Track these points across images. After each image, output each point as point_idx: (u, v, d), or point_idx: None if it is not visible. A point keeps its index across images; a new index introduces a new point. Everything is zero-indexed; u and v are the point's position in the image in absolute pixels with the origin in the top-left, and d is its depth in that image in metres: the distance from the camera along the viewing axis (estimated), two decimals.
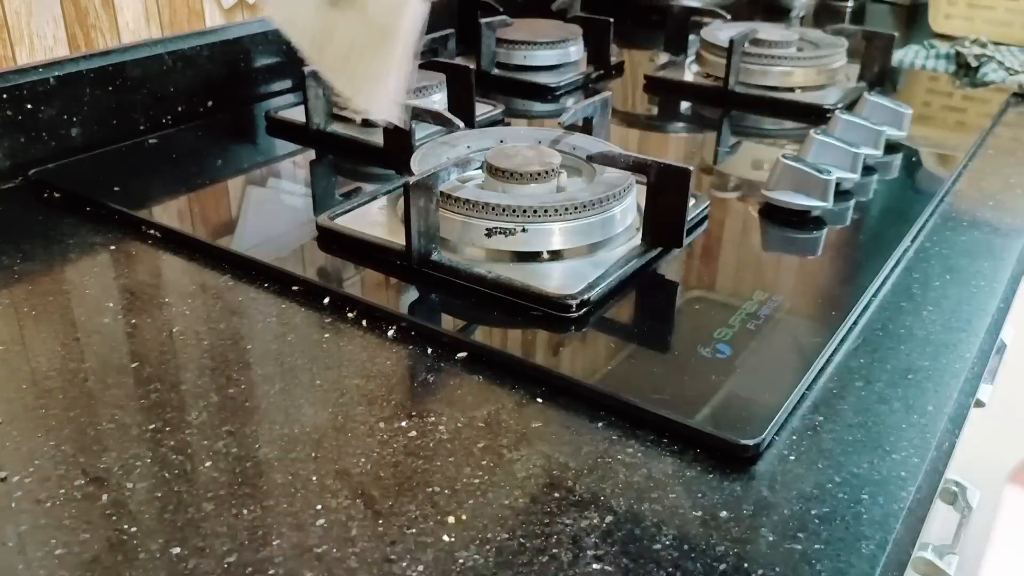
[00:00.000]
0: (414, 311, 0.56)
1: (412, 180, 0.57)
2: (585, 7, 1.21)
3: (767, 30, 1.03)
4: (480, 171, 0.67)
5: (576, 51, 1.06)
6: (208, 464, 0.43)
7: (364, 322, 0.55)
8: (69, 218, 0.67)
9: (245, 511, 0.40)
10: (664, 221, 0.61)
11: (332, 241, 0.63)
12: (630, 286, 0.59)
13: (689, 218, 0.63)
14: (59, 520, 0.39)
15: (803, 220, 0.70)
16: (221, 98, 0.90)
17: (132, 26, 0.82)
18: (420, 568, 0.37)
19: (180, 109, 0.86)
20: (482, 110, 0.87)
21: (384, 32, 0.40)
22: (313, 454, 0.43)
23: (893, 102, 0.86)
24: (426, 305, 0.57)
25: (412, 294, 0.58)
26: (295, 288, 0.58)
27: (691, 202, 0.65)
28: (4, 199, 0.71)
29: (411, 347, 0.52)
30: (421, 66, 0.88)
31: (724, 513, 0.40)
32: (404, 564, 0.37)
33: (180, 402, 0.47)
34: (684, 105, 1.01)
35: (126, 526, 0.39)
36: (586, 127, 0.76)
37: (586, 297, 0.54)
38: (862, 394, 0.49)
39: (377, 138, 0.79)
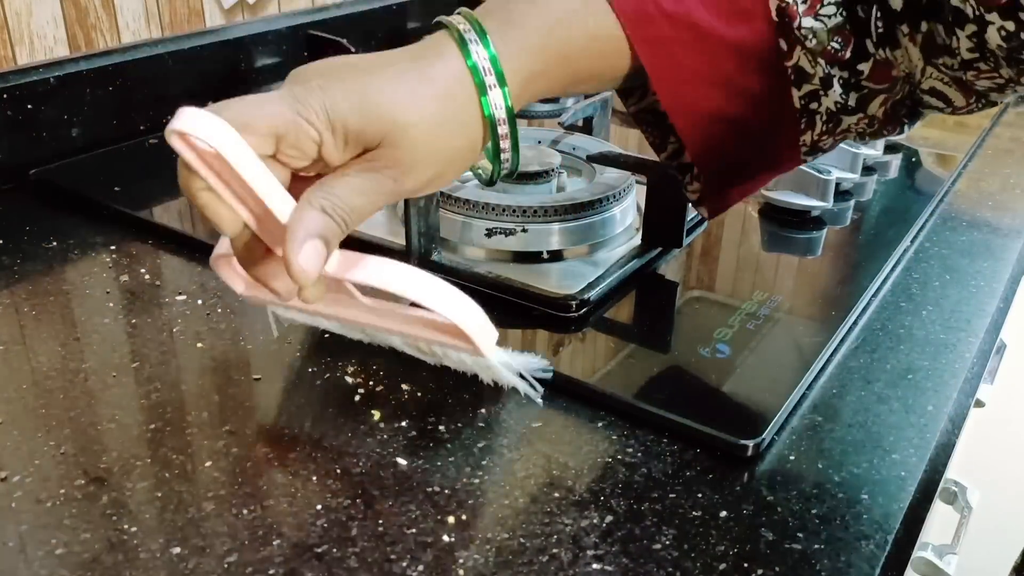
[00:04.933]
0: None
1: None
2: None
3: None
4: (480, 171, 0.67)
5: None
6: (208, 464, 0.43)
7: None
8: (69, 218, 0.67)
9: (245, 511, 0.40)
10: (664, 221, 0.61)
11: None
12: (630, 286, 0.59)
13: (689, 218, 0.63)
14: (59, 520, 0.39)
15: (803, 220, 0.70)
16: (222, 98, 0.89)
17: (132, 26, 0.82)
18: (420, 568, 0.37)
19: None
20: None
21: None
22: (313, 454, 0.43)
23: None
24: None
25: None
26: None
27: None
28: (4, 199, 0.71)
29: None
30: None
31: (724, 513, 0.40)
32: (404, 564, 0.37)
33: (180, 402, 0.47)
34: None
35: (126, 526, 0.39)
36: (586, 127, 0.76)
37: (586, 297, 0.55)
38: (862, 394, 0.49)
39: None
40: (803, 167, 0.69)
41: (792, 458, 0.44)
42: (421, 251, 0.58)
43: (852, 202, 0.73)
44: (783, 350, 0.52)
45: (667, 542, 0.39)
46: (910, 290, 0.61)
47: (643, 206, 0.62)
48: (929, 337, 0.55)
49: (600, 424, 0.46)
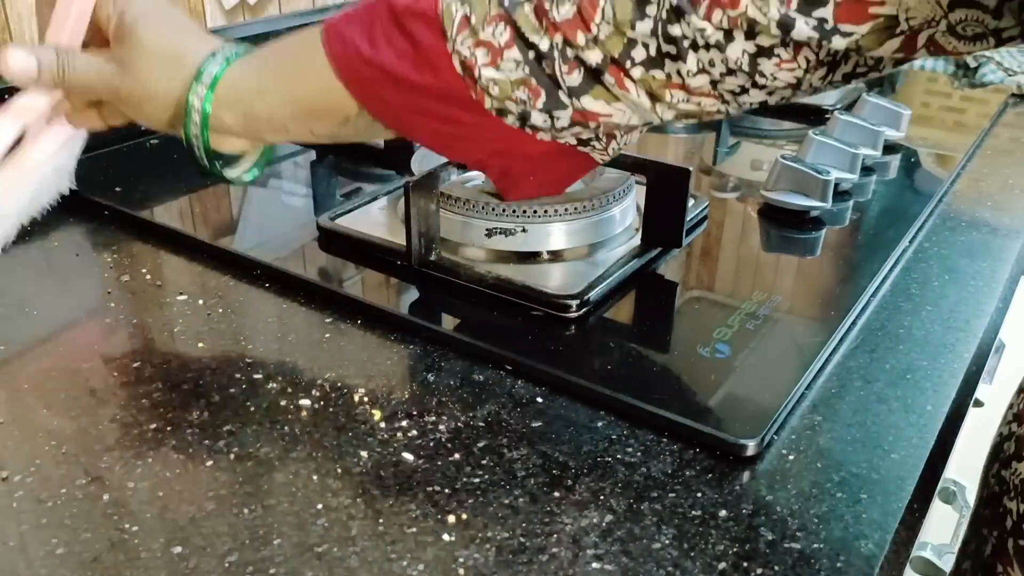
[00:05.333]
0: (414, 311, 0.56)
1: (413, 180, 0.57)
2: None
3: None
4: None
5: None
6: (209, 463, 0.43)
7: (365, 322, 0.55)
8: (70, 219, 0.67)
9: (246, 510, 0.40)
10: (663, 221, 0.61)
11: (333, 241, 0.63)
12: (630, 286, 0.59)
13: (688, 218, 0.63)
14: (60, 519, 0.39)
15: (802, 220, 0.70)
16: None
17: None
18: (420, 567, 0.37)
19: None
20: None
21: None
22: (314, 453, 0.44)
23: (892, 103, 0.86)
24: (426, 305, 0.57)
25: (413, 294, 0.58)
26: (296, 288, 0.58)
27: (690, 202, 0.65)
28: None
29: (411, 347, 0.52)
30: None
31: (723, 512, 0.41)
32: (404, 563, 0.37)
33: (181, 402, 0.47)
34: None
35: (127, 525, 0.39)
36: None
37: (586, 297, 0.55)
38: (861, 394, 0.49)
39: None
40: (802, 167, 0.70)
41: (791, 458, 0.44)
42: (422, 251, 0.58)
43: (851, 202, 0.73)
44: (782, 350, 0.52)
45: (667, 541, 0.39)
46: (909, 290, 0.61)
47: (643, 206, 0.62)
48: (928, 337, 0.55)
49: (600, 424, 0.46)
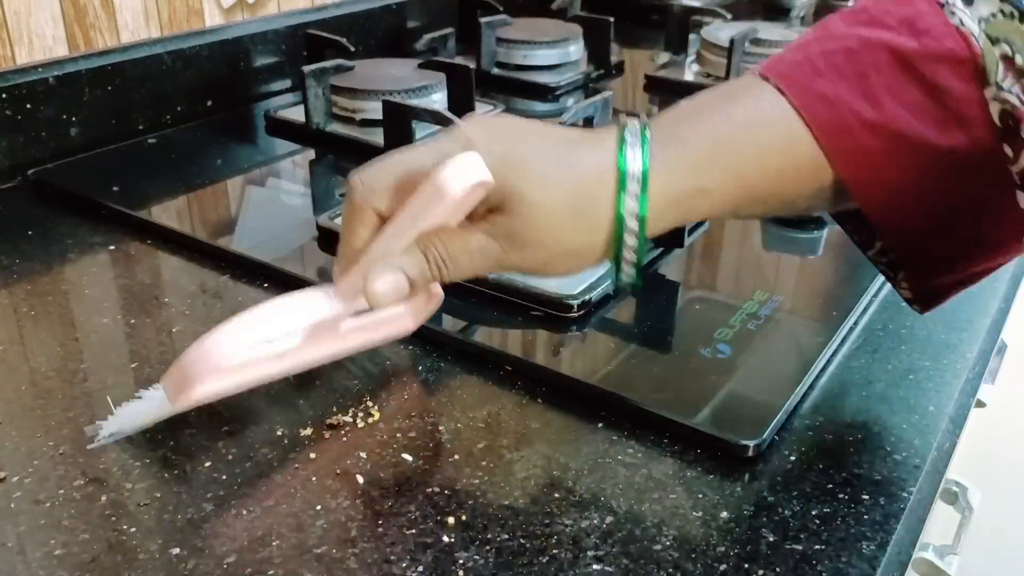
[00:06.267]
0: None
1: None
2: (585, 6, 1.21)
3: (768, 30, 1.03)
4: None
5: (576, 50, 1.06)
6: (207, 464, 0.43)
7: None
8: (68, 218, 0.67)
9: (244, 512, 0.40)
10: None
11: (332, 241, 0.63)
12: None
13: None
14: (58, 521, 0.39)
15: (803, 220, 0.69)
16: (221, 98, 0.90)
17: (131, 26, 0.82)
18: (420, 569, 0.37)
19: (179, 109, 0.86)
20: (482, 110, 0.87)
21: None
22: (312, 454, 0.43)
23: None
24: None
25: None
26: (295, 288, 0.58)
27: None
28: (3, 199, 0.71)
29: (411, 347, 0.52)
30: (421, 66, 0.88)
31: (724, 514, 0.40)
32: (404, 565, 0.37)
33: None
34: None
35: (125, 527, 0.39)
36: (587, 127, 0.76)
37: (587, 297, 0.54)
38: (863, 394, 0.49)
39: (377, 138, 0.78)
40: None
41: (793, 459, 0.44)
42: None
43: None
44: (784, 350, 0.52)
45: (667, 543, 0.39)
46: None
47: None
48: (930, 337, 0.55)
49: (600, 424, 0.46)
